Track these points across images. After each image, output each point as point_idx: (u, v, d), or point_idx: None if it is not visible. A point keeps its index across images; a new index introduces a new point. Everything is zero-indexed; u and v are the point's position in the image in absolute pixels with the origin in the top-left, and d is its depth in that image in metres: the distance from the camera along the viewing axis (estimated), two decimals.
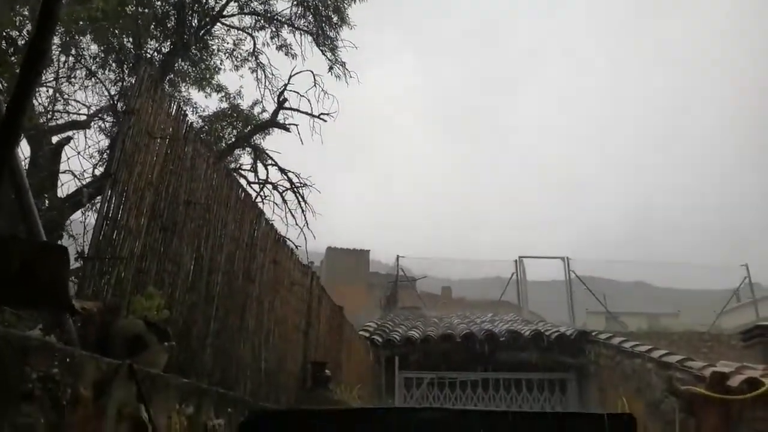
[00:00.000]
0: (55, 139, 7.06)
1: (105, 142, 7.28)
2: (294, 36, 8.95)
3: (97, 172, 6.97)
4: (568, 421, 2.52)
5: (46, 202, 6.08)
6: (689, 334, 12.35)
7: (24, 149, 5.79)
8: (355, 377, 7.25)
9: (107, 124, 7.58)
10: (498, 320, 11.76)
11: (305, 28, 8.87)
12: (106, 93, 7.35)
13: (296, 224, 8.40)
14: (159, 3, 7.63)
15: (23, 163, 4.34)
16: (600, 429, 2.50)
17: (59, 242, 5.48)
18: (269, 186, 9.05)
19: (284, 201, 8.69)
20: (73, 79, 7.21)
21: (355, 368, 7.69)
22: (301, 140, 9.08)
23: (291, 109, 9.56)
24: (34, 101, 6.05)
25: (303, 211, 8.45)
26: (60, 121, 7.27)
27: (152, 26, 7.64)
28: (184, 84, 8.80)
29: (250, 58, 9.19)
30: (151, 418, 2.27)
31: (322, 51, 8.97)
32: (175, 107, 3.10)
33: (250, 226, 4.07)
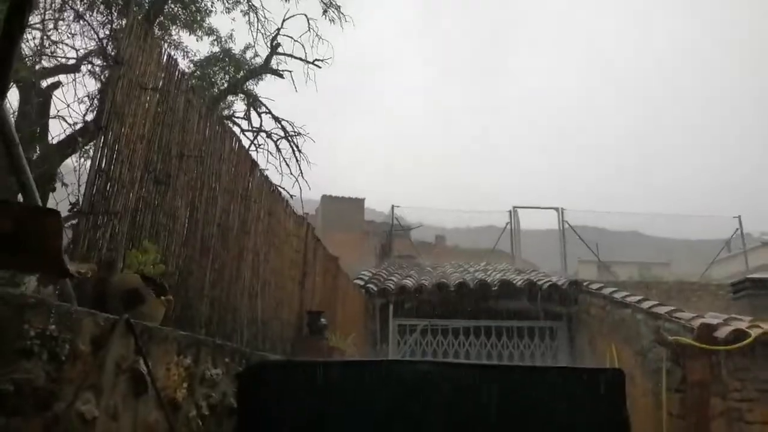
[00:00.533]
0: (44, 84, 6.90)
1: (95, 87, 7.12)
2: None
3: (88, 118, 6.85)
4: (556, 375, 2.58)
5: (38, 150, 5.99)
6: (680, 284, 12.57)
7: (12, 100, 5.67)
8: (350, 325, 7.37)
9: (97, 68, 7.40)
10: (491, 269, 11.90)
11: None
12: (95, 36, 7.14)
13: (291, 174, 8.35)
14: None
15: (12, 114, 4.26)
16: (589, 383, 2.57)
17: (53, 192, 5.45)
18: (263, 134, 8.95)
19: (278, 150, 8.61)
20: (60, 22, 6.98)
21: (350, 316, 7.81)
22: (295, 87, 8.93)
23: (284, 54, 9.35)
24: (22, 46, 5.87)
25: (297, 160, 8.38)
26: (48, 65, 7.09)
27: None
28: (174, 27, 8.55)
29: (242, 0, 8.91)
30: (149, 371, 2.31)
31: None
32: (165, 56, 3.01)
33: (245, 178, 4.03)
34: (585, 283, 9.18)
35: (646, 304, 7.00)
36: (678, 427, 5.85)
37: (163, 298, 2.54)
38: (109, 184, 2.51)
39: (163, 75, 2.98)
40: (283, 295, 4.95)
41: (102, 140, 2.50)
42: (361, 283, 9.58)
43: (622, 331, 7.17)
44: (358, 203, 25.20)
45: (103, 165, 2.47)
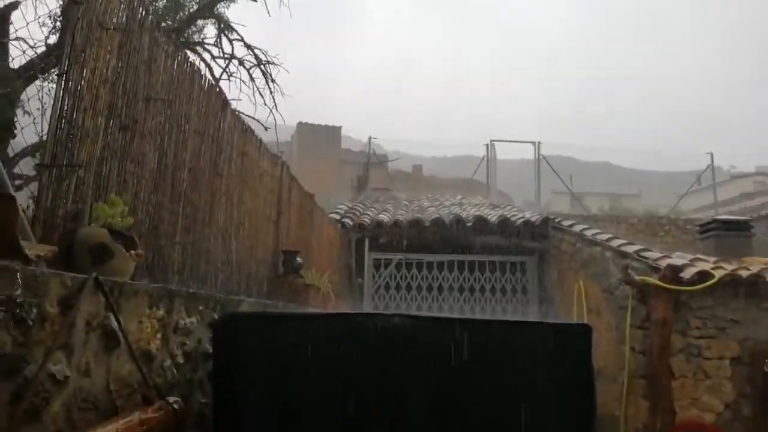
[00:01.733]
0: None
1: (57, 6, 6.68)
2: None
3: (51, 42, 6.47)
4: (525, 329, 2.63)
5: None
6: (648, 218, 12.88)
7: None
8: (326, 261, 7.42)
9: None
10: (466, 204, 12.00)
11: None
12: None
13: (265, 104, 8.11)
14: None
15: None
16: (559, 337, 2.63)
17: (15, 120, 5.21)
18: (235, 62, 8.60)
19: (252, 79, 8.31)
20: None
21: (326, 252, 7.85)
22: (268, 12, 8.53)
23: None
24: None
25: (271, 91, 8.12)
26: None
27: None
28: None
29: None
30: (120, 326, 2.29)
31: None
32: None
33: (216, 118, 3.89)
34: (557, 220, 9.32)
35: (615, 243, 7.15)
36: (639, 361, 6.14)
37: (132, 252, 2.48)
38: (71, 133, 2.39)
39: (125, 11, 2.79)
40: (257, 235, 4.92)
41: (62, 86, 2.35)
42: (337, 216, 9.59)
43: (590, 268, 7.37)
44: (334, 131, 24.88)
45: (65, 113, 2.34)
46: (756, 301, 6.09)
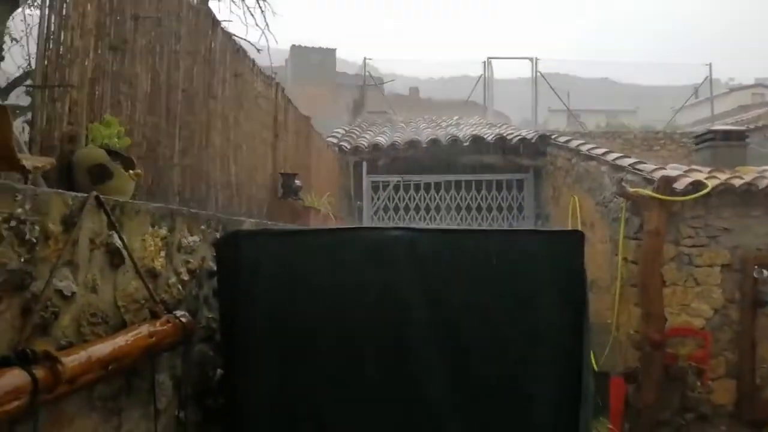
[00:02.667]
0: None
1: None
2: None
3: None
4: (517, 237, 2.70)
5: None
6: (645, 134, 12.85)
7: None
8: (324, 184, 7.47)
9: None
10: (463, 124, 11.92)
11: None
12: None
13: (256, 24, 7.86)
14: None
15: None
16: (551, 244, 2.71)
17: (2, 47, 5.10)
18: None
19: None
20: None
21: (325, 175, 7.89)
22: None
23: None
24: None
25: (262, 10, 7.85)
26: None
27: None
28: None
29: None
30: (124, 244, 2.36)
31: None
32: None
33: (206, 38, 3.82)
34: (553, 137, 9.30)
35: (610, 157, 7.18)
36: (631, 270, 6.31)
37: (131, 171, 2.51)
38: (60, 53, 2.36)
39: None
40: (255, 158, 4.94)
41: (47, 3, 2.31)
42: (335, 140, 9.56)
43: (586, 183, 7.43)
44: (329, 54, 24.27)
45: (52, 33, 2.30)
46: (748, 209, 6.20)
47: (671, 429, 6.19)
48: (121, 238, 2.33)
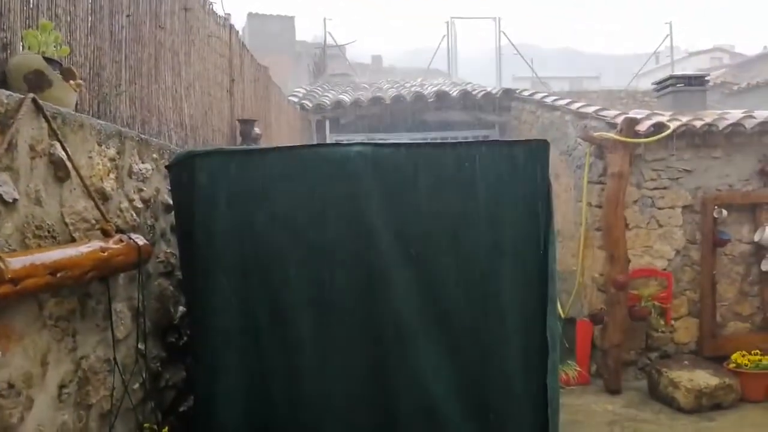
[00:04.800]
0: None
1: None
2: None
3: None
4: (482, 148, 2.64)
5: None
6: (607, 93, 12.99)
7: None
8: (286, 140, 7.30)
9: None
10: (427, 84, 11.80)
11: None
12: None
13: None
14: None
15: None
16: (516, 153, 2.66)
17: None
18: None
19: None
20: None
21: (286, 133, 7.71)
22: None
23: None
24: None
25: None
26: None
27: None
28: None
29: None
30: (69, 156, 2.21)
31: None
32: None
33: None
34: (518, 91, 9.28)
35: (574, 106, 7.19)
36: (595, 214, 6.37)
37: (72, 82, 2.35)
38: None
39: None
40: (211, 101, 4.76)
41: None
42: (296, 100, 9.35)
43: (550, 134, 7.43)
44: (288, 22, 23.69)
45: None
46: (709, 150, 6.29)
47: (636, 368, 6.32)
48: (64, 149, 2.18)
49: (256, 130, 5.32)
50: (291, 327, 2.75)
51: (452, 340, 2.58)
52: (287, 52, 22.40)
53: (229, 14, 5.14)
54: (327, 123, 9.10)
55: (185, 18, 4.16)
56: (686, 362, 6.01)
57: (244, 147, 4.29)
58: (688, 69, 23.17)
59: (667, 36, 16.10)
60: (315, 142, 8.98)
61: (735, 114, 6.51)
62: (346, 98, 9.58)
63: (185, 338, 3.36)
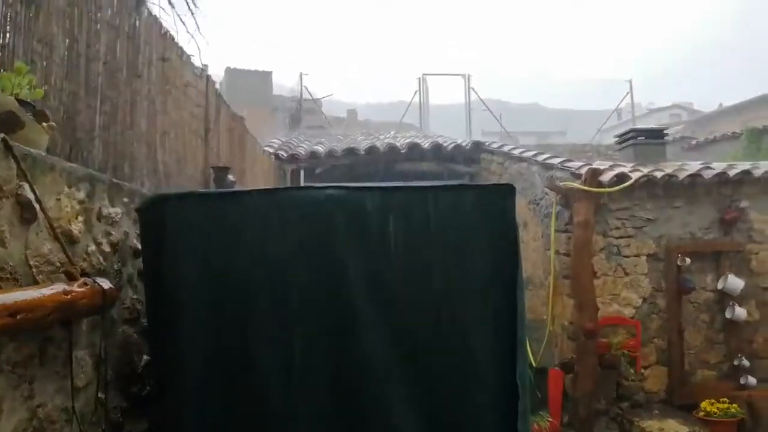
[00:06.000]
0: None
1: None
2: None
3: None
4: (451, 192, 2.71)
5: None
6: (572, 147, 13.45)
7: None
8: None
9: None
10: (400, 137, 12.05)
11: None
12: None
13: (187, 31, 7.72)
14: None
15: None
16: (483, 197, 2.73)
17: None
18: None
19: (171, 4, 7.86)
20: None
21: (261, 180, 7.75)
22: None
23: None
24: None
25: (192, 13, 7.72)
26: None
27: None
28: None
29: None
30: (37, 197, 2.21)
31: None
32: None
33: (130, 15, 3.70)
34: (487, 143, 9.53)
35: (541, 157, 7.42)
36: (563, 263, 6.48)
37: (45, 124, 2.37)
38: None
39: None
40: (185, 149, 4.79)
41: None
42: (271, 150, 9.44)
43: (518, 184, 7.61)
44: (265, 76, 24.06)
45: None
46: (670, 200, 6.51)
47: (608, 418, 6.32)
48: (33, 190, 2.18)
49: (231, 177, 5.35)
50: (260, 375, 2.71)
51: (422, 385, 2.56)
52: (264, 105, 22.67)
53: (206, 65, 5.23)
54: (302, 172, 9.18)
55: (162, 68, 4.24)
56: (657, 411, 6.04)
57: (216, 190, 4.30)
58: (649, 124, 24.15)
59: (628, 93, 16.80)
60: None
61: (694, 165, 6.79)
62: (320, 149, 9.71)
63: (148, 388, 3.27)
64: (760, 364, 6.44)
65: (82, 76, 3.10)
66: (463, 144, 9.70)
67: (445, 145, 9.70)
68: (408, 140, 10.18)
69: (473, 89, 15.87)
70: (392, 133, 13.32)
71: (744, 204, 6.56)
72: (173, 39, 4.48)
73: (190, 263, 2.77)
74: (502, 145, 9.12)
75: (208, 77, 5.35)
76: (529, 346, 6.28)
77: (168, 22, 4.63)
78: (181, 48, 4.65)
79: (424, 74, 16.30)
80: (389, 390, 2.58)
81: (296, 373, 2.66)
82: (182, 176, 4.70)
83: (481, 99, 16.20)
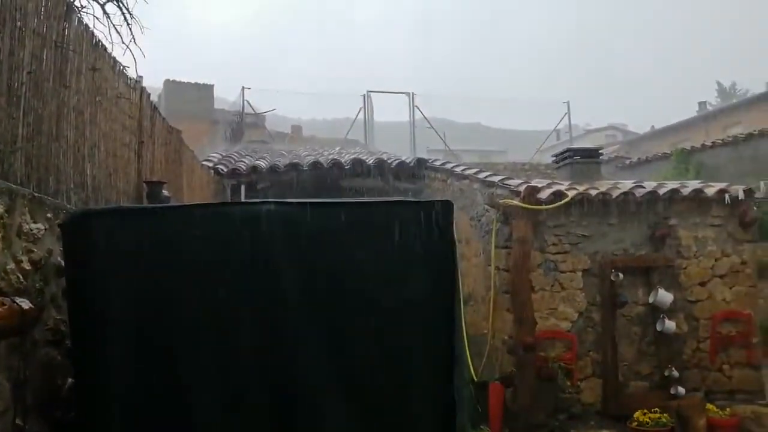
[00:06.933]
0: None
1: None
2: None
3: None
4: (389, 207, 2.72)
5: None
6: (512, 165, 13.82)
7: None
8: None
9: None
10: (345, 152, 12.04)
11: None
12: None
13: (122, 42, 7.48)
14: None
15: None
16: (420, 213, 2.75)
17: None
18: None
19: (105, 14, 7.61)
20: None
21: (198, 196, 7.56)
22: None
23: None
24: None
25: (128, 24, 7.49)
26: None
27: None
28: None
29: None
30: None
31: None
32: None
33: (59, 22, 3.55)
34: (430, 160, 9.65)
35: (482, 175, 7.56)
36: (503, 278, 6.59)
37: None
38: None
39: None
40: (117, 162, 4.62)
41: None
42: (210, 164, 9.24)
43: (460, 201, 7.73)
44: (206, 90, 23.60)
45: None
46: (604, 218, 6.74)
47: (547, 430, 6.42)
48: None
49: (165, 192, 5.18)
50: (190, 395, 2.61)
51: (359, 399, 2.53)
52: (205, 118, 22.21)
53: (141, 77, 5.07)
54: (242, 188, 9.02)
55: (93, 78, 4.08)
56: (592, 423, 6.19)
57: (144, 206, 4.15)
58: (586, 144, 25.14)
59: (566, 114, 17.41)
60: None
61: (626, 184, 7.07)
62: (262, 164, 9.58)
63: (73, 414, 3.09)
64: (689, 375, 6.71)
65: (4, 85, 2.94)
66: (407, 161, 9.79)
67: (389, 161, 9.76)
68: (353, 156, 10.18)
69: (418, 107, 16.08)
70: (337, 149, 13.30)
71: (673, 221, 6.87)
72: (105, 49, 4.33)
73: (117, 282, 2.65)
74: (444, 163, 9.25)
75: (143, 89, 5.19)
76: (471, 360, 6.36)
77: (102, 32, 4.48)
78: (114, 58, 4.50)
79: (368, 91, 16.39)
80: (325, 404, 2.53)
81: (228, 392, 2.57)
82: (113, 191, 4.52)
83: (425, 117, 16.44)
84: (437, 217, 2.74)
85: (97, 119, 4.18)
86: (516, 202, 6.36)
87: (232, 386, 2.57)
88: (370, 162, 9.70)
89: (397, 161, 9.75)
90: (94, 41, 4.11)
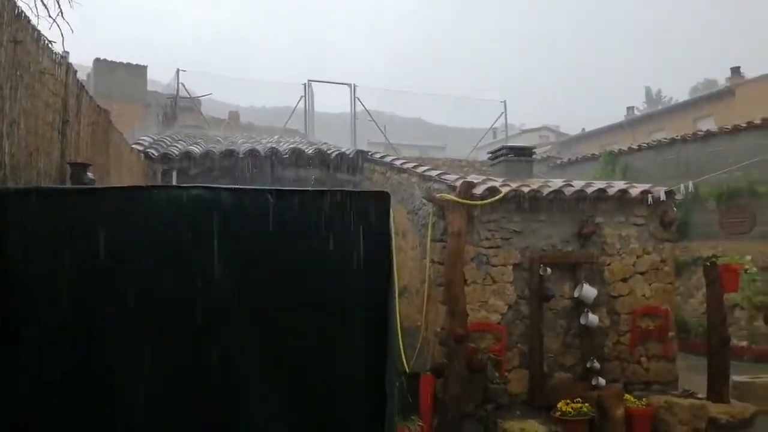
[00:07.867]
0: None
1: None
2: None
3: None
4: (325, 197, 2.68)
5: None
6: (450, 161, 14.05)
7: None
8: None
9: None
10: (283, 141, 11.86)
11: None
12: None
13: (49, 15, 7.08)
14: None
15: None
16: (358, 202, 2.74)
17: None
18: None
19: None
20: None
21: (127, 180, 7.26)
22: None
23: None
24: None
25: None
26: None
27: None
28: None
29: None
30: None
31: None
32: None
33: None
34: (370, 153, 9.66)
35: (420, 169, 7.65)
36: (438, 271, 6.69)
37: None
38: None
39: None
40: (38, 142, 4.36)
41: None
42: (140, 148, 8.88)
43: (399, 194, 7.79)
44: (139, 71, 22.68)
45: None
46: (535, 214, 6.96)
47: (475, 420, 6.58)
48: None
49: (90, 175, 4.94)
50: (112, 384, 2.50)
51: (288, 392, 2.50)
52: (137, 101, 21.36)
53: (67, 52, 4.81)
54: (174, 174, 8.73)
55: (14, 50, 3.83)
56: (518, 412, 6.39)
57: (65, 186, 3.95)
58: (520, 143, 25.93)
59: (502, 114, 17.82)
60: None
61: (557, 182, 7.32)
62: (196, 149, 9.31)
63: None
64: (609, 366, 7.05)
65: None
66: (347, 152, 9.75)
67: (329, 152, 9.69)
68: (292, 145, 10.05)
69: (359, 99, 16.03)
70: (275, 137, 13.09)
71: (599, 219, 7.17)
72: (29, 21, 4.08)
73: (33, 268, 2.50)
74: (384, 156, 9.28)
75: (69, 65, 4.92)
76: (404, 352, 6.43)
77: (27, 3, 4.22)
78: (38, 31, 4.24)
79: (309, 80, 16.17)
80: (255, 398, 2.49)
81: (155, 389, 2.48)
82: (33, 171, 4.27)
83: (366, 110, 16.42)
84: (374, 208, 2.74)
85: (17, 94, 3.94)
86: (452, 196, 6.46)
87: (158, 384, 2.48)
88: (310, 152, 9.61)
89: (337, 152, 9.70)
90: (16, 12, 3.86)
